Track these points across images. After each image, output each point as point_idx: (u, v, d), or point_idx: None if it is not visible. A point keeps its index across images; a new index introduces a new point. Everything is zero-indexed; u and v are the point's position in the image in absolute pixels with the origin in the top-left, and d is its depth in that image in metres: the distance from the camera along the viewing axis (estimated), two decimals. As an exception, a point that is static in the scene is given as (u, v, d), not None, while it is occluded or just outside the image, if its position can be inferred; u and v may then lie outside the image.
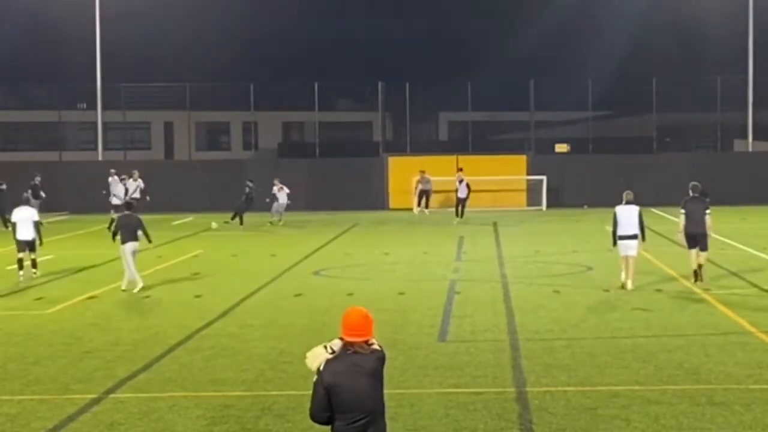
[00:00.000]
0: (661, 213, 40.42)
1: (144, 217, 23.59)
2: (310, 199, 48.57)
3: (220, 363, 15.17)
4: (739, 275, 23.99)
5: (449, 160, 49.89)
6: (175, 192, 47.92)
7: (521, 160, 50.59)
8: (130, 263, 22.42)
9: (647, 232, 22.76)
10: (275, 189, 40.66)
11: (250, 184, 40.47)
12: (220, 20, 73.64)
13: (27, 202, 25.62)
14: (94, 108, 53.13)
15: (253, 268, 26.80)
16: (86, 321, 19.07)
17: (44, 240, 25.58)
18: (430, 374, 14.27)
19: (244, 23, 75.07)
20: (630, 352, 15.52)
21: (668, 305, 19.95)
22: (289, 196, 40.67)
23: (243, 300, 21.34)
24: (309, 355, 7.59)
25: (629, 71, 65.17)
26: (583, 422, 11.78)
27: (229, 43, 72.95)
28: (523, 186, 49.96)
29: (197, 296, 21.88)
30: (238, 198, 40.03)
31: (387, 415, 7.79)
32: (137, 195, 41.50)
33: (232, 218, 39.55)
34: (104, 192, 41.65)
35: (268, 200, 40.82)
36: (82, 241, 35.12)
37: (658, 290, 21.78)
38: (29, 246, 24.49)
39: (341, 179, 49.90)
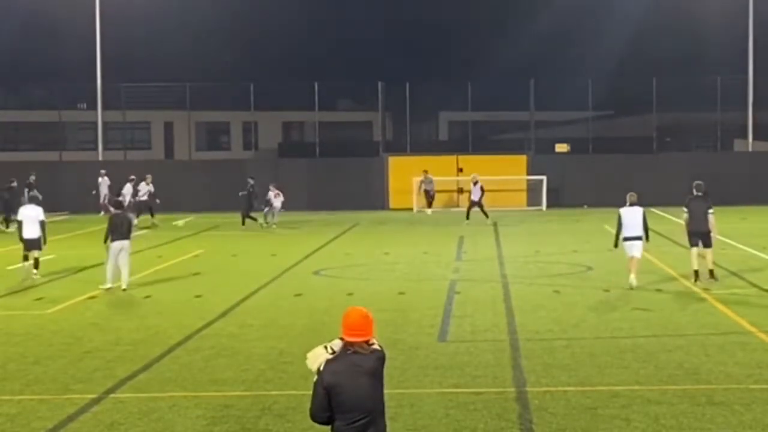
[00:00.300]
0: (662, 213, 40.41)
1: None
2: (310, 199, 48.59)
3: (220, 363, 15.16)
4: (739, 275, 23.98)
5: (449, 160, 49.94)
6: (175, 192, 47.90)
7: (521, 160, 50.59)
8: (120, 261, 22.46)
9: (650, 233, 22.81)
10: (271, 194, 39.35)
11: (251, 182, 40.38)
12: (220, 20, 73.69)
13: (35, 201, 25.23)
14: (94, 108, 53.15)
15: (253, 268, 26.80)
16: (86, 321, 19.06)
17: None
18: (430, 374, 14.25)
19: (244, 23, 75.14)
20: (630, 352, 15.51)
21: (668, 305, 19.95)
22: (283, 204, 39.72)
23: (243, 300, 21.33)
24: (309, 355, 7.58)
25: (629, 71, 65.26)
26: (583, 422, 11.77)
27: (229, 43, 73.01)
28: (523, 186, 49.95)
29: (197, 296, 21.88)
30: (240, 199, 39.74)
31: (387, 415, 7.78)
32: (145, 198, 41.63)
33: (243, 223, 38.98)
34: (93, 192, 41.66)
35: (263, 206, 39.76)
36: (82, 241, 35.08)
37: (659, 290, 21.78)
38: (35, 245, 24.28)
39: (341, 179, 49.87)
